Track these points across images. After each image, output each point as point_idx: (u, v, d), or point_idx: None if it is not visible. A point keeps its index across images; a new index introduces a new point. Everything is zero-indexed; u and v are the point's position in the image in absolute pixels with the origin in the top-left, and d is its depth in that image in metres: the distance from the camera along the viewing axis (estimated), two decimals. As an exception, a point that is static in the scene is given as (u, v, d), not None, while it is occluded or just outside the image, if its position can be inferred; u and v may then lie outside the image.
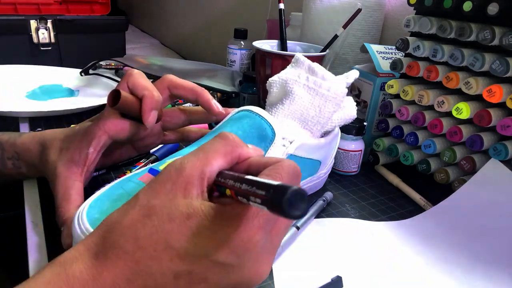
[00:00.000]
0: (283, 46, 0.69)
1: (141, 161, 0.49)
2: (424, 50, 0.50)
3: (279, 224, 0.26)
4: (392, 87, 0.54)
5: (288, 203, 0.18)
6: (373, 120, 0.60)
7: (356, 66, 0.62)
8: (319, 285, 0.35)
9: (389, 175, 0.55)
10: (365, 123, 0.54)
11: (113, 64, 0.89)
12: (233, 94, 0.78)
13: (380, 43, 0.75)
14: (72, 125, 0.57)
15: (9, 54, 0.97)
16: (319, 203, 0.46)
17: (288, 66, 0.46)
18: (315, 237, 0.42)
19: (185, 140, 0.49)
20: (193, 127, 0.49)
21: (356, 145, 0.54)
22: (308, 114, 0.43)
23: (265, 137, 0.39)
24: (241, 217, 0.23)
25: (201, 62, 1.00)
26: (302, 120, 0.43)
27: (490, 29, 0.43)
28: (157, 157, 0.51)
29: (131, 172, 0.45)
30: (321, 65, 0.59)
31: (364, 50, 0.61)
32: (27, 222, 0.40)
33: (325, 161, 0.49)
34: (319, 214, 0.45)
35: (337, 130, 0.49)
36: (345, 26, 0.64)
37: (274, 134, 0.40)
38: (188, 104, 0.69)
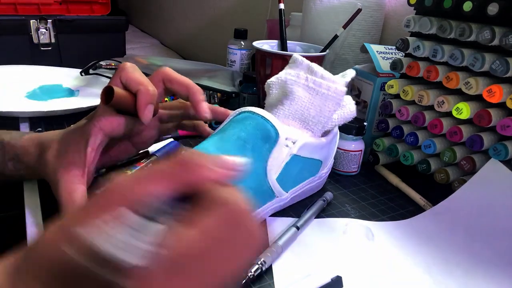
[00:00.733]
0: (283, 46, 0.69)
1: (141, 161, 0.49)
2: (424, 50, 0.50)
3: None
4: (392, 87, 0.54)
5: None
6: (373, 120, 0.60)
7: (356, 66, 0.62)
8: (319, 285, 0.35)
9: (389, 175, 0.55)
10: (365, 123, 0.54)
11: (113, 64, 0.89)
12: (233, 94, 0.77)
13: (380, 43, 0.75)
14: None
15: (9, 54, 0.96)
16: (319, 203, 0.46)
17: (285, 67, 0.46)
18: (315, 237, 0.42)
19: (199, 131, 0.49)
20: (219, 108, 0.47)
21: (356, 145, 0.54)
22: (309, 114, 0.43)
23: (269, 138, 0.39)
24: None
25: (201, 62, 1.00)
26: (303, 120, 0.43)
27: (490, 29, 0.43)
28: (157, 157, 0.51)
29: (131, 172, 0.45)
30: (321, 65, 0.59)
31: (364, 50, 0.61)
32: (27, 222, 0.40)
33: (326, 161, 0.49)
34: (319, 214, 0.46)
35: (336, 129, 0.50)
36: (345, 26, 0.64)
37: (277, 134, 0.40)
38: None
